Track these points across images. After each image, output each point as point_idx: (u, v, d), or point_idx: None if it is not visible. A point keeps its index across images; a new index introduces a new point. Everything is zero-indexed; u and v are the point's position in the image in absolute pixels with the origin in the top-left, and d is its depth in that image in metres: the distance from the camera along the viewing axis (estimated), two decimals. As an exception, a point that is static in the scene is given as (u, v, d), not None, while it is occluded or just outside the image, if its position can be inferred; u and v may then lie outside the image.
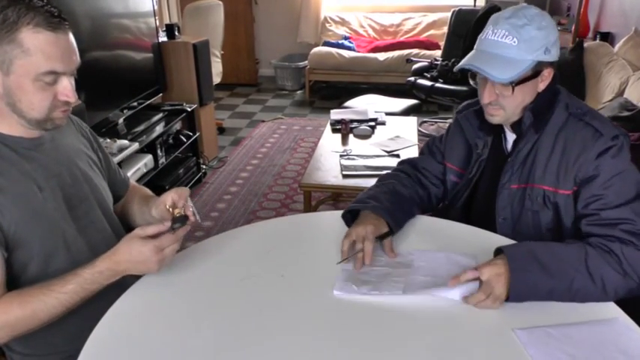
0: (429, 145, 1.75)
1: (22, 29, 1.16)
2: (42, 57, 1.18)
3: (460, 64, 1.43)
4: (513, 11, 1.39)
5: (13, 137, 1.30)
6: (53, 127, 1.31)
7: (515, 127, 1.49)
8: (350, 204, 1.56)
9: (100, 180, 1.52)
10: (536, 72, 1.40)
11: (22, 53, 1.18)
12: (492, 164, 1.56)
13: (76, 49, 1.26)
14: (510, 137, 1.53)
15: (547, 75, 1.43)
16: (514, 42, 1.35)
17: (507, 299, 1.23)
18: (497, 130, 1.55)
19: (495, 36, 1.38)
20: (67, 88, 1.25)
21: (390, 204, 1.51)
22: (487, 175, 1.58)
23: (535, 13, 1.39)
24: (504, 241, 1.45)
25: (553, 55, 1.40)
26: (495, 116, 1.47)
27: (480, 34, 1.43)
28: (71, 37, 1.24)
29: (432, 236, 1.52)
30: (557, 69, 1.45)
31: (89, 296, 1.25)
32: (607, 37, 4.22)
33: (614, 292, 1.25)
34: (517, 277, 1.22)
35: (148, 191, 1.69)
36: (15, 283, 1.29)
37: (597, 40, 4.18)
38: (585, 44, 3.93)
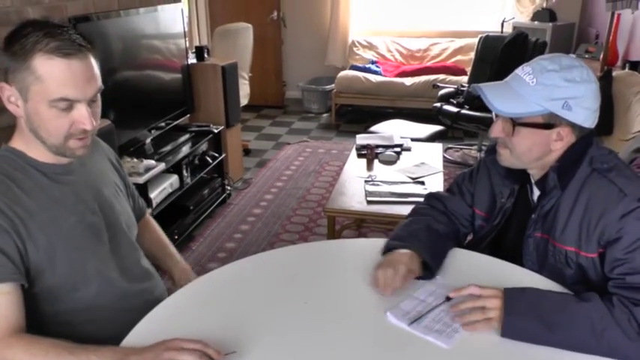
0: (459, 184, 1.69)
1: (35, 56, 1.17)
2: (53, 83, 1.18)
3: (476, 85, 1.39)
4: (552, 56, 1.35)
5: (46, 164, 1.31)
6: (72, 156, 1.31)
7: (539, 184, 1.44)
8: (389, 240, 1.53)
9: (125, 205, 1.53)
10: (548, 124, 1.33)
11: (36, 80, 1.18)
12: (518, 214, 1.51)
13: (96, 75, 1.25)
14: (536, 190, 1.47)
15: (564, 135, 1.34)
16: (532, 82, 1.31)
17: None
18: (524, 180, 1.50)
19: (522, 72, 1.35)
20: (83, 115, 1.23)
21: (430, 242, 1.48)
22: (514, 224, 1.53)
23: (571, 64, 1.32)
24: (534, 278, 1.43)
25: (575, 115, 1.31)
26: (501, 155, 1.43)
27: None
28: (89, 62, 1.23)
29: (460, 270, 1.50)
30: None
31: None
32: (636, 66, 4.16)
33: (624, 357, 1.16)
34: (510, 319, 1.21)
35: (162, 235, 1.74)
36: (43, 313, 1.29)
37: (626, 70, 4.13)
38: (614, 73, 3.87)
